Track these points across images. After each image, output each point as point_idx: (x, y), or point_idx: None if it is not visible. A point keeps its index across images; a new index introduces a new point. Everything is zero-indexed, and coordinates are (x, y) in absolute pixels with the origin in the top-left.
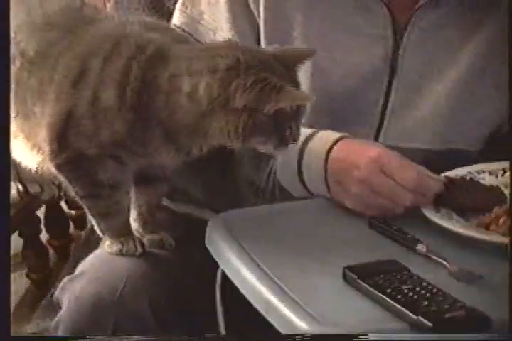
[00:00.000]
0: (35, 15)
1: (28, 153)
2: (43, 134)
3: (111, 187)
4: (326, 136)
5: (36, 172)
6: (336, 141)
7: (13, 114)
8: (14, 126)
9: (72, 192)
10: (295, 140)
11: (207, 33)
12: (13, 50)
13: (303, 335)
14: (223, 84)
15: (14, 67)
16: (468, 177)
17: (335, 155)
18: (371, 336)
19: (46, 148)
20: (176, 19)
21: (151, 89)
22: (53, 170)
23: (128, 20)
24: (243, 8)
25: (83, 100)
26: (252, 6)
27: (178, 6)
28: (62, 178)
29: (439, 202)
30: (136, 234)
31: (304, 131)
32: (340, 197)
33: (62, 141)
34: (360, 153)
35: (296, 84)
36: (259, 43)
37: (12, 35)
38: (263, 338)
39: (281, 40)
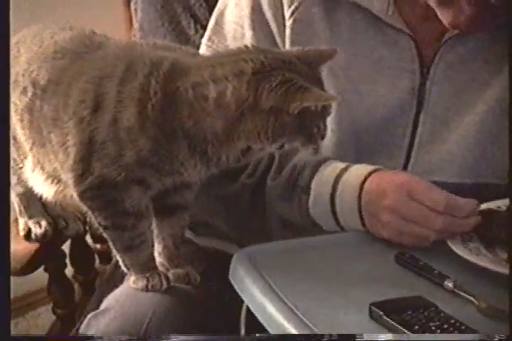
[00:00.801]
0: (46, 45)
1: (43, 183)
2: (59, 162)
3: (135, 217)
4: (361, 170)
5: (55, 204)
6: (370, 173)
7: (28, 145)
8: (31, 158)
9: (95, 222)
10: (323, 137)
11: None
12: (25, 80)
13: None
14: (250, 87)
15: (26, 98)
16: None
17: (368, 188)
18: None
19: (69, 176)
20: (205, 37)
21: (173, 101)
22: (77, 199)
23: (136, 42)
24: (269, 42)
25: (103, 123)
26: (277, 40)
27: (203, 40)
28: (85, 208)
29: (476, 232)
30: (161, 268)
31: (337, 165)
32: (376, 229)
33: (86, 167)
34: (388, 182)
35: (320, 83)
36: None
37: (25, 66)
38: None
39: None
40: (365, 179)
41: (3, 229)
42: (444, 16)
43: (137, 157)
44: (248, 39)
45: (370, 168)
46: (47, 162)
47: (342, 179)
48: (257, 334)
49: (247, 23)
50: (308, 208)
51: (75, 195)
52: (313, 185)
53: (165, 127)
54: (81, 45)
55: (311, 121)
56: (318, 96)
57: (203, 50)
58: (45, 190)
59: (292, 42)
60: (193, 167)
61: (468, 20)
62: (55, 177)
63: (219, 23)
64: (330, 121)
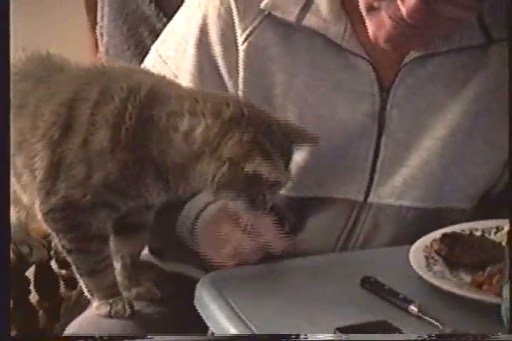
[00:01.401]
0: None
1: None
2: (21, 184)
3: (100, 240)
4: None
5: (19, 230)
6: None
7: None
8: None
9: (59, 246)
10: (266, 208)
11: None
12: None
13: None
14: (221, 131)
15: None
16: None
17: None
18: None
19: (35, 195)
20: (147, 60)
21: (146, 127)
22: (41, 220)
23: (105, 65)
24: (209, 65)
25: (74, 145)
26: (219, 62)
27: (153, 45)
28: (49, 230)
29: (441, 256)
30: (122, 288)
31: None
32: None
33: (51, 187)
34: None
35: (287, 157)
36: None
37: None
38: None
39: (262, 97)
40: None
41: (3, 229)
42: (369, 27)
43: (105, 180)
44: (189, 56)
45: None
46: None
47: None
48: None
49: (191, 41)
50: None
51: (40, 216)
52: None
53: (135, 152)
54: (40, 67)
55: (259, 188)
56: (273, 169)
57: (151, 54)
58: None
59: (246, 66)
60: (157, 193)
61: (387, 35)
62: (14, 201)
63: (168, 34)
64: None
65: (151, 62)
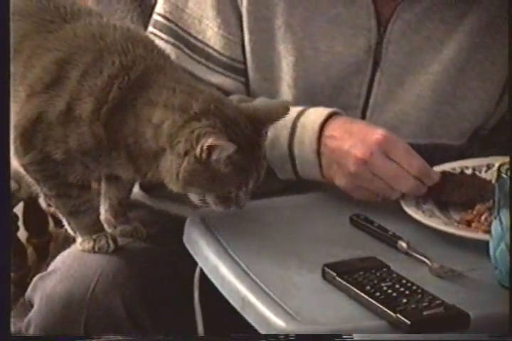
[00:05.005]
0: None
1: None
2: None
3: (80, 188)
4: (319, 111)
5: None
6: (329, 115)
7: None
8: None
9: (39, 191)
10: (239, 205)
11: (192, 21)
12: None
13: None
14: (182, 125)
15: None
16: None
17: (330, 132)
18: (355, 336)
19: (12, 146)
20: (160, 8)
21: (125, 112)
22: (20, 169)
23: (110, 25)
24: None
25: (56, 108)
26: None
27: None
28: (29, 179)
29: (430, 195)
30: (108, 225)
31: (294, 108)
32: (332, 175)
33: (28, 142)
34: (364, 134)
35: (258, 147)
36: (242, 31)
37: None
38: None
39: (265, 28)
40: (325, 121)
41: (3, 227)
42: None
43: (79, 146)
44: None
45: (328, 110)
46: None
47: (300, 121)
48: None
49: None
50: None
51: (18, 168)
52: (270, 128)
53: (111, 132)
54: (43, 9)
55: (224, 183)
56: (217, 139)
57: (161, 4)
58: None
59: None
60: (127, 173)
61: None
62: None
63: None
64: (287, 77)
65: (167, 8)
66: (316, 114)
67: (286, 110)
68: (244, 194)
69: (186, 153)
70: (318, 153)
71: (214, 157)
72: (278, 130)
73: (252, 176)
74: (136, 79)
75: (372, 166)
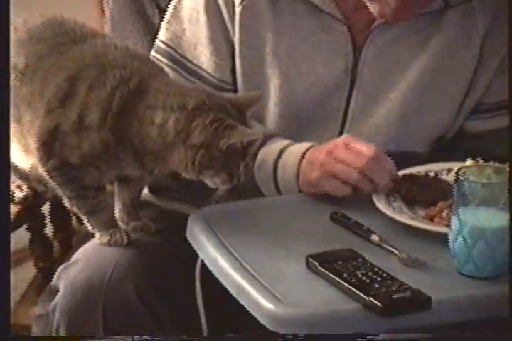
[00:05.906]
0: (21, 32)
1: (19, 154)
2: (32, 141)
3: (95, 189)
4: (304, 144)
5: (31, 172)
6: (312, 146)
7: None
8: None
9: (62, 194)
10: (239, 179)
11: (188, 48)
12: None
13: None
14: (188, 121)
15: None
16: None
17: (309, 154)
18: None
19: (36, 156)
20: (162, 35)
21: (129, 117)
22: (44, 174)
23: (111, 45)
24: (221, 27)
25: (69, 119)
26: (228, 25)
27: (163, 23)
28: (52, 183)
29: (399, 194)
30: (122, 222)
31: (283, 141)
32: (308, 174)
33: (49, 151)
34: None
35: (246, 124)
36: (233, 58)
37: None
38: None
39: (255, 55)
40: (307, 149)
41: (3, 226)
42: (373, 8)
43: (91, 151)
44: (202, 24)
45: (311, 143)
46: (21, 136)
47: (287, 150)
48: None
49: (201, 9)
50: (253, 172)
51: (42, 172)
52: (260, 153)
53: (117, 136)
54: (55, 33)
55: (234, 160)
56: (242, 133)
57: (163, 32)
58: (22, 161)
59: (241, 26)
60: (133, 170)
61: (393, 12)
62: (29, 151)
63: (177, 8)
64: (274, 98)
65: (168, 36)
66: (300, 147)
67: (258, 99)
68: (243, 167)
69: (202, 144)
70: (297, 172)
71: (237, 145)
72: (266, 155)
73: (255, 136)
74: (134, 89)
75: (335, 154)
